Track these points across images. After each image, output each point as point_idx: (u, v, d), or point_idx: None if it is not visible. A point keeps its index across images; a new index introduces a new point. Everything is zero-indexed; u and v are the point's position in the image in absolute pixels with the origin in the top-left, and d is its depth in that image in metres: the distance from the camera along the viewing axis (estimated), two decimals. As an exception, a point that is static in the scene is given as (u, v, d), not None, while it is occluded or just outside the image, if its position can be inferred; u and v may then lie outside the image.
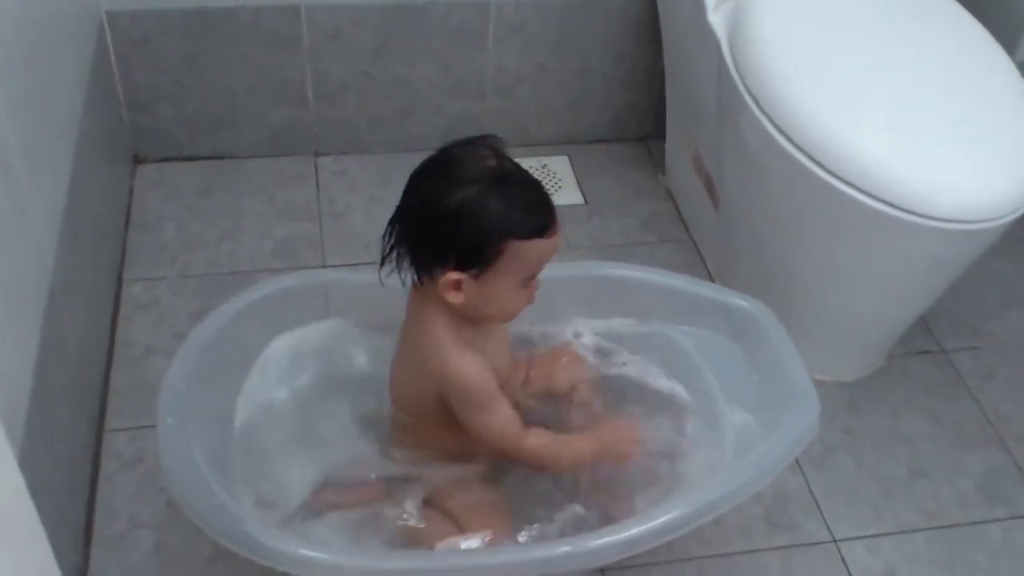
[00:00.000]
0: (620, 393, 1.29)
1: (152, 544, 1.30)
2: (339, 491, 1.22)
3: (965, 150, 1.34)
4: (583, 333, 1.32)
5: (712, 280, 1.72)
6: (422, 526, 1.18)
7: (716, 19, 1.53)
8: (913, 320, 1.56)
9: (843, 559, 1.36)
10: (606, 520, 1.15)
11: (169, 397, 1.13)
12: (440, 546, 1.14)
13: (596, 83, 1.96)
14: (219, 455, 1.15)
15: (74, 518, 1.26)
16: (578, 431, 1.23)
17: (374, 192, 1.85)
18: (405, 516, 1.18)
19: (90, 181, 1.49)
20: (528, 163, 1.12)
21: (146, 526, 1.31)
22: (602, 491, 1.22)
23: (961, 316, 1.72)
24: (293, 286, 1.30)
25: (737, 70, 1.46)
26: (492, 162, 1.08)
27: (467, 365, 1.12)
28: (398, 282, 1.13)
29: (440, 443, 1.21)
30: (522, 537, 1.16)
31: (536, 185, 1.10)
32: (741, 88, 1.44)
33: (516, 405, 1.20)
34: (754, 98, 1.42)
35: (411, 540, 1.18)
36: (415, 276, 1.12)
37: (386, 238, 1.11)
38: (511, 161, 1.10)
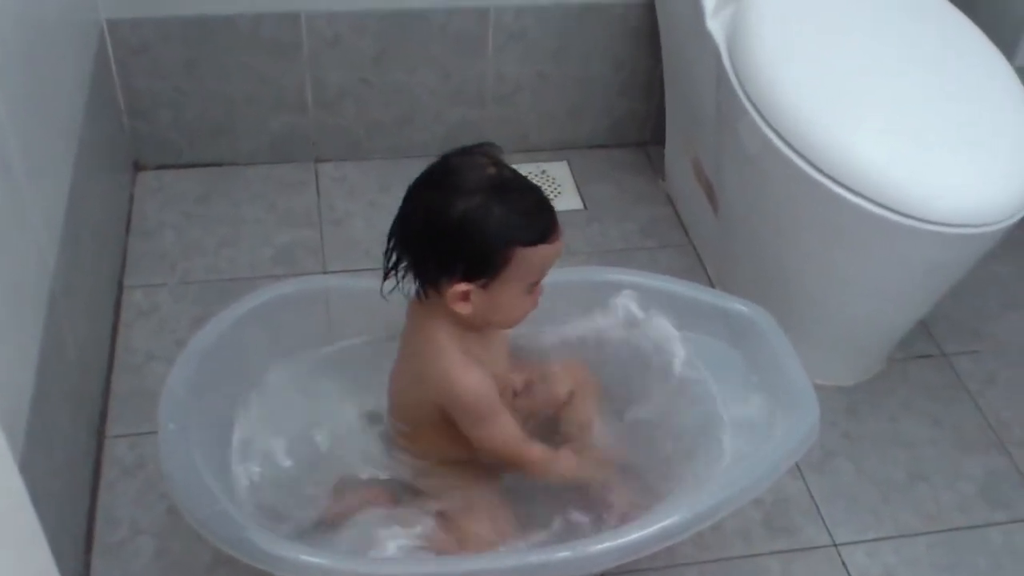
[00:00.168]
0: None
1: (153, 551, 1.30)
2: (345, 499, 1.22)
3: (964, 154, 1.34)
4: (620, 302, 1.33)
5: (712, 285, 1.72)
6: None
7: (715, 25, 1.54)
8: (913, 324, 1.56)
9: (843, 563, 1.36)
10: (620, 519, 1.15)
11: (170, 403, 1.13)
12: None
13: (596, 89, 1.96)
14: (220, 461, 1.15)
15: (75, 525, 1.26)
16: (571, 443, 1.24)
17: (374, 198, 1.85)
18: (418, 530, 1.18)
19: (90, 188, 1.49)
20: (527, 169, 1.13)
21: (147, 533, 1.32)
22: (605, 495, 1.23)
23: (961, 319, 1.72)
24: (293, 292, 1.30)
25: (736, 76, 1.46)
26: (491, 170, 1.08)
27: (470, 379, 1.12)
28: (399, 294, 1.13)
29: (438, 451, 1.21)
30: (522, 543, 1.16)
31: (536, 191, 1.10)
32: (740, 93, 1.44)
33: (513, 411, 1.20)
34: (753, 103, 1.42)
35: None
36: (420, 289, 1.12)
37: (387, 252, 1.11)
38: (509, 168, 1.10)
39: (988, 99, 1.42)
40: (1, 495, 0.65)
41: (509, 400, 1.22)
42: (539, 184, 1.12)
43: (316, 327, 1.33)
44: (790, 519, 1.41)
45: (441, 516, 1.20)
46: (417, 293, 1.12)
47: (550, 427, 1.27)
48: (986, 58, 1.48)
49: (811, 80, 1.41)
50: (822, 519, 1.41)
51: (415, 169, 1.12)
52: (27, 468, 1.02)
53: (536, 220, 1.08)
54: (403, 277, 1.11)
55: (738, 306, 1.31)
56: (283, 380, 1.29)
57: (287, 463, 1.22)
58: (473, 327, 1.13)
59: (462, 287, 1.07)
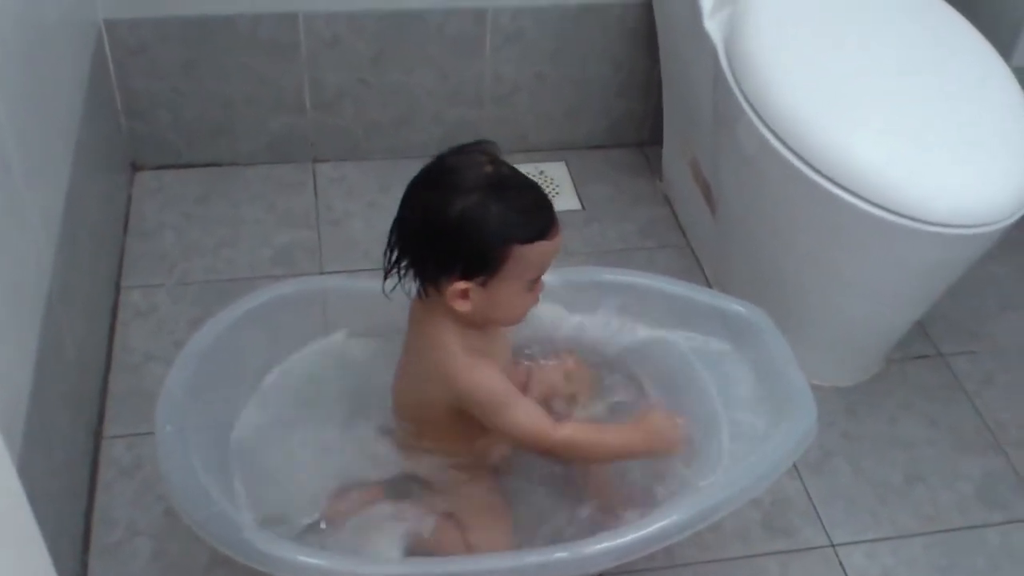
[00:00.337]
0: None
1: (150, 552, 1.30)
2: (344, 499, 1.22)
3: (962, 155, 1.34)
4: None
5: (710, 286, 1.72)
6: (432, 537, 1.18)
7: (712, 26, 1.54)
8: (910, 324, 1.56)
9: (841, 564, 1.36)
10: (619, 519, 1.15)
11: (167, 404, 1.13)
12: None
13: (593, 90, 1.96)
14: (217, 462, 1.15)
15: (72, 526, 1.26)
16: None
17: (373, 199, 1.85)
18: (419, 530, 1.18)
19: (88, 188, 1.49)
20: (525, 169, 1.12)
21: (144, 534, 1.31)
22: (611, 492, 1.23)
23: (959, 320, 1.72)
24: (291, 293, 1.30)
25: (733, 76, 1.46)
26: (489, 168, 1.08)
27: (479, 374, 1.12)
28: (400, 292, 1.13)
29: (442, 449, 1.21)
30: (523, 543, 1.16)
31: (534, 188, 1.10)
32: (737, 94, 1.44)
33: None
34: (750, 104, 1.42)
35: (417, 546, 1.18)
36: (420, 288, 1.12)
37: (387, 251, 1.11)
38: (507, 165, 1.10)
39: (986, 100, 1.42)
40: (-1, 496, 0.65)
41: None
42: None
43: (314, 328, 1.33)
44: (788, 520, 1.41)
45: (441, 516, 1.20)
46: (418, 292, 1.12)
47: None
48: (984, 59, 1.48)
49: (808, 81, 1.41)
50: (820, 520, 1.41)
51: (413, 169, 1.12)
52: (25, 469, 1.02)
53: (534, 217, 1.08)
54: (404, 276, 1.12)
55: (736, 307, 1.31)
56: (281, 381, 1.29)
57: (285, 464, 1.22)
58: (474, 324, 1.13)
59: (461, 285, 1.07)
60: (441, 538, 1.20)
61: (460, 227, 1.05)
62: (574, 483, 1.26)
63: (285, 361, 1.30)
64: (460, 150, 1.11)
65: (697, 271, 1.78)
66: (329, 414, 1.28)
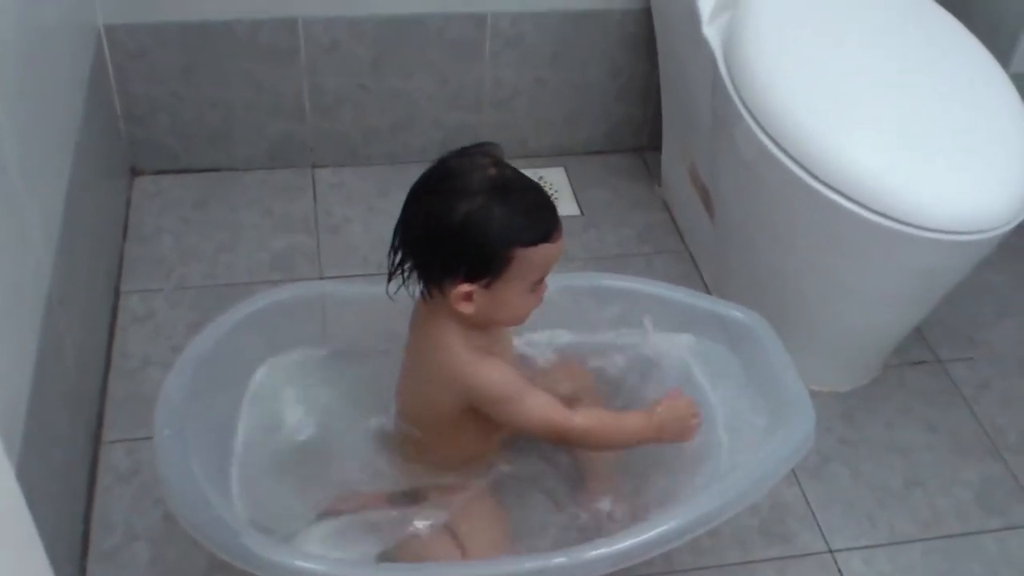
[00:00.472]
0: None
1: (148, 557, 1.30)
2: (343, 504, 1.22)
3: (960, 161, 1.35)
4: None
5: (708, 291, 1.72)
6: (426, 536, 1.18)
7: (711, 32, 1.54)
8: (909, 330, 1.56)
9: (839, 570, 1.36)
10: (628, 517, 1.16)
11: (166, 409, 1.13)
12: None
13: (592, 95, 1.97)
14: (216, 467, 1.15)
15: (71, 530, 1.26)
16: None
17: (372, 204, 1.85)
18: (415, 528, 1.18)
19: (87, 193, 1.49)
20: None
21: (142, 538, 1.31)
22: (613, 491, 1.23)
23: (956, 326, 1.72)
24: (290, 298, 1.31)
25: (732, 82, 1.46)
26: (492, 171, 1.08)
27: (487, 370, 1.13)
28: (400, 294, 1.14)
29: (449, 452, 1.21)
30: (521, 549, 1.16)
31: (537, 190, 1.10)
32: (736, 100, 1.44)
33: None
34: (749, 110, 1.42)
35: (409, 554, 1.18)
36: (424, 290, 1.12)
37: (391, 254, 1.12)
38: (511, 168, 1.10)
39: (984, 106, 1.42)
40: (-2, 500, 0.65)
41: None
42: (536, 188, 1.13)
43: (312, 333, 1.33)
44: (786, 525, 1.41)
45: (438, 525, 1.20)
46: (422, 294, 1.13)
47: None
48: (982, 65, 1.49)
49: (807, 87, 1.41)
50: (818, 525, 1.41)
51: (413, 175, 1.12)
52: (24, 472, 1.02)
53: (538, 220, 1.08)
54: (407, 278, 1.12)
55: (734, 312, 1.31)
56: (279, 386, 1.29)
57: (283, 469, 1.22)
58: (478, 326, 1.13)
59: (465, 287, 1.08)
60: (437, 547, 1.20)
61: (464, 230, 1.05)
62: (575, 490, 1.26)
63: (283, 366, 1.30)
64: (463, 152, 1.11)
65: (696, 276, 1.78)
66: (326, 420, 1.28)
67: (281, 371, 1.30)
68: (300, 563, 1.04)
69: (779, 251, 1.51)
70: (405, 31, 1.80)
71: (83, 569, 1.28)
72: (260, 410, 1.26)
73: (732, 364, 1.30)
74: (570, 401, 1.26)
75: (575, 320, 1.34)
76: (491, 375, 1.13)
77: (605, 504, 1.23)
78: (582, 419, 1.15)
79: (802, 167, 1.35)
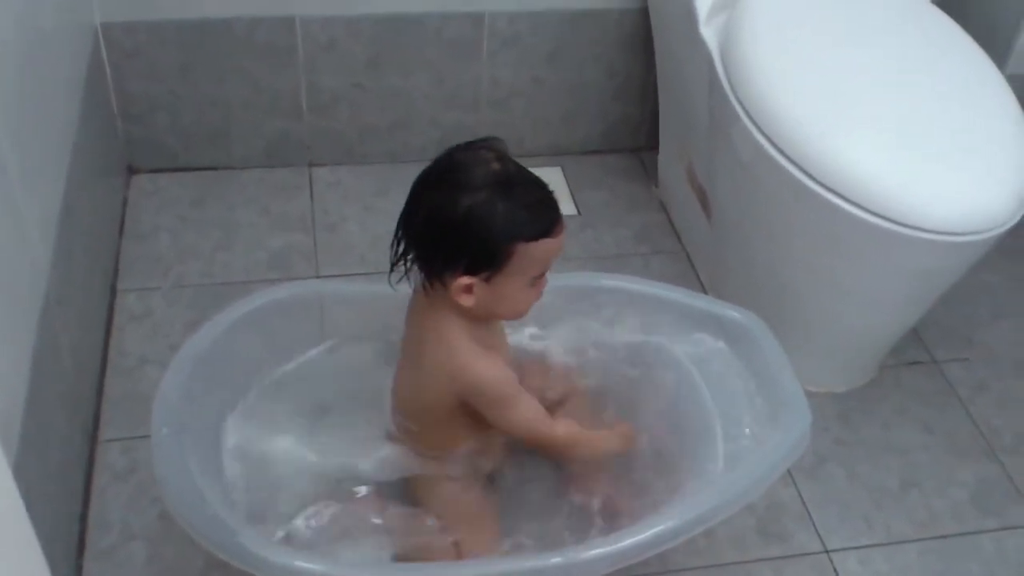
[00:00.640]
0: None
1: (145, 556, 1.30)
2: (338, 501, 1.22)
3: (956, 162, 1.35)
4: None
5: (705, 291, 1.72)
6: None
7: (708, 32, 1.54)
8: (905, 331, 1.56)
9: (835, 570, 1.37)
10: (612, 517, 1.16)
11: (163, 408, 1.13)
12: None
13: (590, 95, 1.97)
14: (213, 466, 1.15)
15: (67, 529, 1.26)
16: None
17: (368, 203, 1.85)
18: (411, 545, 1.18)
19: (84, 191, 1.49)
20: (521, 174, 1.13)
21: (139, 537, 1.31)
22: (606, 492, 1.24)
23: (952, 327, 1.72)
24: (287, 297, 1.30)
25: (729, 82, 1.47)
26: (496, 165, 1.09)
27: (487, 365, 1.13)
28: (395, 291, 1.14)
29: (444, 448, 1.21)
30: (514, 547, 1.16)
31: (540, 185, 1.11)
32: (733, 100, 1.45)
33: None
34: (746, 110, 1.42)
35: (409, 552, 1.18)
36: (426, 282, 1.12)
37: (394, 246, 1.12)
38: (514, 163, 1.11)
39: (980, 107, 1.43)
40: (-5, 500, 0.65)
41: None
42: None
43: (310, 332, 1.33)
44: (782, 525, 1.41)
45: (436, 521, 1.20)
46: (423, 285, 1.13)
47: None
48: (978, 66, 1.49)
49: (804, 87, 1.41)
50: (814, 526, 1.41)
51: (410, 173, 1.13)
52: (21, 471, 1.02)
53: (540, 215, 1.09)
54: (408, 270, 1.12)
55: (731, 312, 1.31)
56: (277, 385, 1.29)
57: (281, 468, 1.22)
58: (477, 319, 1.14)
59: (466, 280, 1.08)
60: (431, 544, 1.20)
61: (467, 223, 1.06)
62: (569, 486, 1.26)
63: (281, 364, 1.30)
64: (467, 147, 1.12)
65: (692, 277, 1.78)
66: (325, 418, 1.28)
67: (278, 369, 1.30)
68: (298, 562, 1.04)
69: (776, 251, 1.51)
70: (403, 30, 1.80)
71: (80, 568, 1.27)
72: (257, 409, 1.26)
73: (729, 364, 1.30)
74: (558, 404, 1.27)
75: (571, 320, 1.34)
76: (488, 371, 1.13)
77: (597, 502, 1.24)
78: (566, 429, 1.20)
79: (799, 167, 1.35)
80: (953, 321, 1.73)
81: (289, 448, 1.24)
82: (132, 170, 1.88)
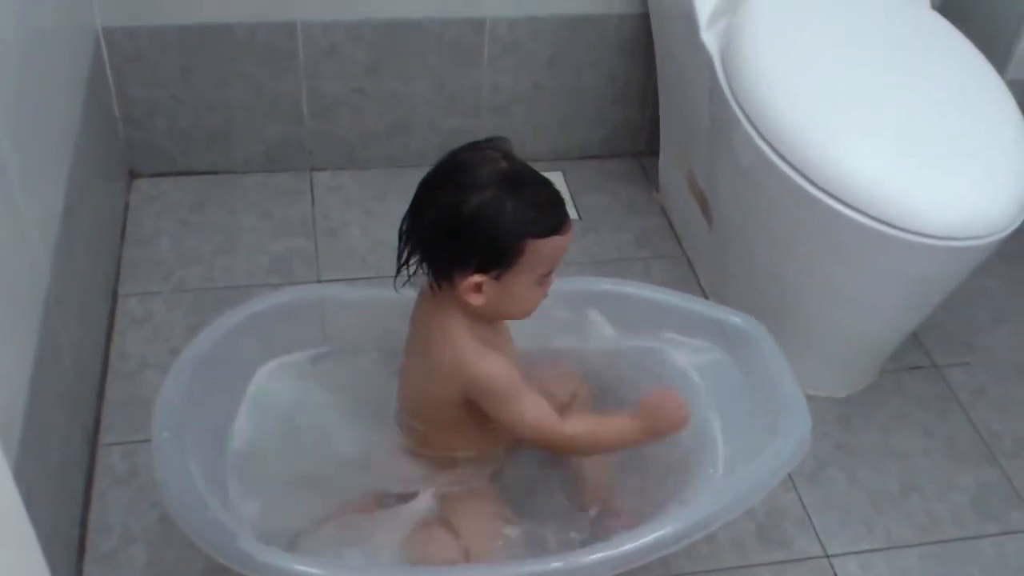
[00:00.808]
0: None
1: (145, 559, 1.30)
2: (341, 505, 1.22)
3: (957, 167, 1.35)
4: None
5: (705, 296, 1.72)
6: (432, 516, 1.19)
7: (709, 37, 1.55)
8: (905, 336, 1.56)
9: (836, 575, 1.36)
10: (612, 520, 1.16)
11: (164, 411, 1.13)
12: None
13: (590, 100, 1.97)
14: (214, 470, 1.15)
15: (68, 532, 1.26)
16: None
17: (369, 207, 1.86)
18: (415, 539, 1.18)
19: (86, 195, 1.49)
20: (523, 179, 1.13)
21: (140, 541, 1.31)
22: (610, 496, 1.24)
23: (953, 331, 1.72)
24: (288, 301, 1.31)
25: (730, 87, 1.47)
26: (503, 164, 1.09)
27: (490, 364, 1.13)
28: (399, 295, 1.14)
29: (450, 448, 1.22)
30: (520, 546, 1.16)
31: (547, 183, 1.12)
32: (733, 105, 1.45)
33: None
34: (746, 115, 1.42)
35: (413, 553, 1.18)
36: (434, 283, 1.13)
37: (401, 246, 1.12)
38: (520, 162, 1.11)
39: (980, 112, 1.43)
40: (-4, 502, 0.65)
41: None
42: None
43: (312, 336, 1.33)
44: (783, 530, 1.41)
45: (437, 526, 1.20)
46: (431, 286, 1.13)
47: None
48: (978, 71, 1.49)
49: (804, 92, 1.42)
50: (815, 530, 1.41)
51: (411, 178, 1.13)
52: (21, 474, 1.02)
53: (549, 212, 1.09)
54: (414, 272, 1.13)
55: (732, 317, 1.32)
56: (277, 389, 1.29)
57: (281, 471, 1.22)
58: (485, 318, 1.14)
59: (475, 279, 1.09)
60: (437, 548, 1.20)
61: (476, 222, 1.06)
62: (573, 489, 1.26)
63: (282, 369, 1.30)
64: (474, 146, 1.12)
65: (693, 282, 1.78)
66: (327, 423, 1.28)
67: (280, 374, 1.30)
68: (298, 567, 1.04)
69: (776, 256, 1.51)
70: (403, 35, 1.80)
71: (80, 571, 1.27)
72: (258, 413, 1.26)
73: (729, 369, 1.30)
74: (564, 408, 1.26)
75: (572, 324, 1.34)
76: (493, 369, 1.13)
77: (598, 506, 1.24)
78: (571, 428, 1.16)
79: (800, 173, 1.35)
80: (953, 325, 1.73)
81: (290, 452, 1.24)
82: (133, 174, 1.88)
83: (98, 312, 1.56)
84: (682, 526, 1.09)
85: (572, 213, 1.90)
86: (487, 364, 1.13)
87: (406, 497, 1.22)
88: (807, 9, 1.56)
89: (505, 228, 1.06)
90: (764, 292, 1.55)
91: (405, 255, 1.12)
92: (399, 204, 1.13)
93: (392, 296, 1.15)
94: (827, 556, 1.39)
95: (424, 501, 1.21)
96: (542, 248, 1.09)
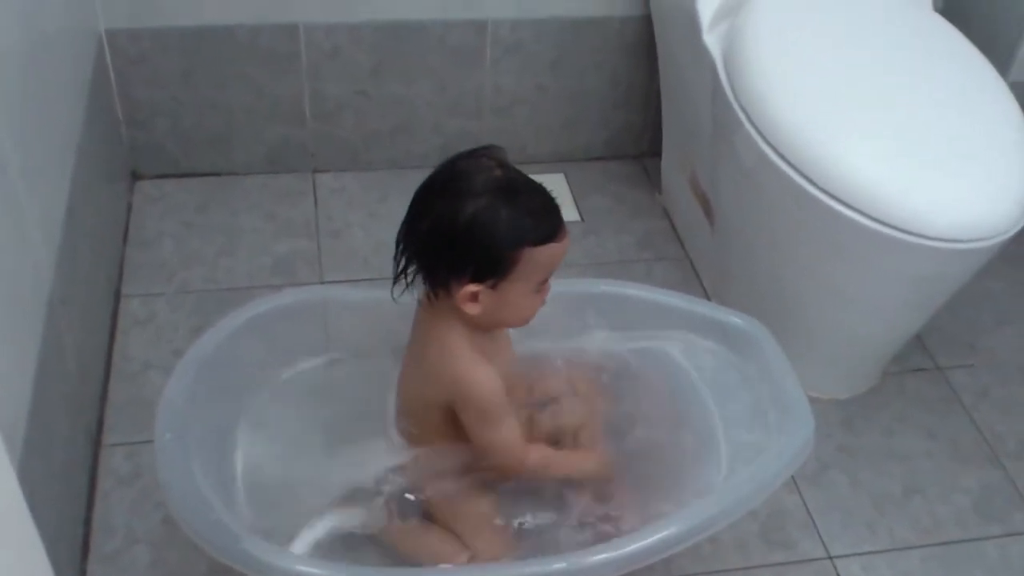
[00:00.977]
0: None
1: (149, 560, 1.30)
2: (342, 505, 1.22)
3: (959, 170, 1.35)
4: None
5: (708, 298, 1.72)
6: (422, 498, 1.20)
7: (711, 40, 1.55)
8: (908, 337, 1.56)
9: (839, 576, 1.37)
10: (615, 522, 1.16)
11: (167, 413, 1.13)
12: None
13: (592, 102, 1.97)
14: (216, 471, 1.15)
15: (71, 533, 1.26)
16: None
17: (372, 209, 1.86)
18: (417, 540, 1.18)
19: (89, 197, 1.49)
20: (525, 181, 1.13)
21: (143, 542, 1.31)
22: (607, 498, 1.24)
23: (955, 333, 1.72)
24: (291, 303, 1.31)
25: (732, 90, 1.47)
26: (498, 172, 1.09)
27: (482, 376, 1.13)
28: (403, 298, 1.14)
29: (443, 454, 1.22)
30: (522, 547, 1.16)
31: (542, 191, 1.12)
32: (736, 107, 1.45)
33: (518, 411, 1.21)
34: (749, 117, 1.42)
35: (408, 551, 1.18)
36: (430, 292, 1.12)
37: (397, 256, 1.12)
38: (515, 170, 1.11)
39: (983, 114, 1.43)
40: (0, 503, 0.65)
41: (519, 399, 1.22)
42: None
43: (314, 337, 1.33)
44: (786, 532, 1.41)
45: (439, 527, 1.20)
46: (427, 295, 1.13)
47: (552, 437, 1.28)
48: (981, 73, 1.49)
49: (807, 94, 1.42)
50: (817, 532, 1.41)
51: (413, 180, 1.13)
52: (25, 475, 1.02)
53: (544, 220, 1.09)
54: (411, 281, 1.12)
55: (734, 319, 1.32)
56: (280, 390, 1.29)
57: (284, 473, 1.22)
58: (482, 327, 1.14)
59: (472, 288, 1.08)
60: (439, 548, 1.20)
61: (471, 230, 1.06)
62: (571, 491, 1.26)
63: (285, 370, 1.30)
64: (468, 155, 1.12)
65: (695, 283, 1.78)
66: (330, 424, 1.28)
67: (282, 375, 1.30)
68: (301, 567, 1.04)
69: (779, 258, 1.51)
70: (406, 37, 1.80)
71: (83, 572, 1.28)
72: (261, 414, 1.26)
73: (732, 371, 1.30)
74: (574, 434, 1.26)
75: (574, 327, 1.34)
76: (484, 383, 1.13)
77: (600, 508, 1.24)
78: (531, 460, 1.19)
79: (802, 175, 1.35)
80: (956, 327, 1.73)
81: (292, 453, 1.24)
82: (136, 176, 1.89)
83: (101, 313, 1.56)
84: (686, 527, 1.09)
85: (574, 215, 1.90)
86: (479, 375, 1.13)
87: (405, 498, 1.22)
88: (809, 11, 1.56)
89: (500, 237, 1.06)
90: (766, 294, 1.55)
91: (402, 264, 1.12)
92: (402, 206, 1.13)
93: (402, 296, 1.15)
94: (830, 558, 1.38)
95: (426, 508, 1.22)
96: (538, 256, 1.08)
